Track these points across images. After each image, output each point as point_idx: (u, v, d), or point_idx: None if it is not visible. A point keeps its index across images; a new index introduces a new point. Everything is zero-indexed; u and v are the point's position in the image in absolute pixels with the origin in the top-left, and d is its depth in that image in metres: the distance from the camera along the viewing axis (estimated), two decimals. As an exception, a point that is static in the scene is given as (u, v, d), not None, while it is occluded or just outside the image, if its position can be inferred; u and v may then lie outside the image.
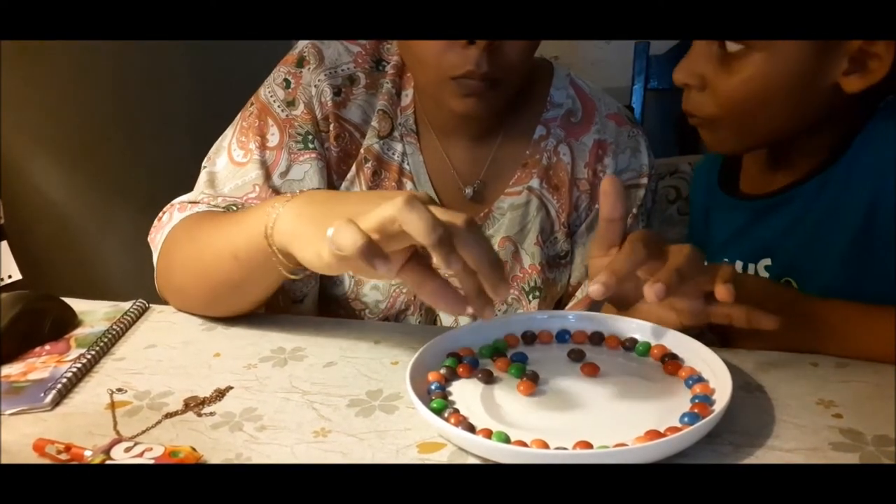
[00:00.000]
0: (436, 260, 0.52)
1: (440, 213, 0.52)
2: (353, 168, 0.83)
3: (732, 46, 0.67)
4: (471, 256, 0.52)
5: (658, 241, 0.61)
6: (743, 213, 0.81)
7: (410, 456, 0.52)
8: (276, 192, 0.80)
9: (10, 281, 1.13)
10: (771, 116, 0.70)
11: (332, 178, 0.83)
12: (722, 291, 0.58)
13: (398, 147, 0.83)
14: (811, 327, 0.64)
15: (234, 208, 0.78)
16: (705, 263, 0.61)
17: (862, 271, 0.71)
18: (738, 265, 0.80)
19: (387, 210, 0.51)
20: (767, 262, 0.78)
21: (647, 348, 0.63)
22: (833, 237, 0.72)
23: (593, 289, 0.57)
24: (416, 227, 0.50)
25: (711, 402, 0.53)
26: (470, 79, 0.70)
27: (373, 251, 0.50)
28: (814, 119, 0.71)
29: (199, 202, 0.79)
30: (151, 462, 0.50)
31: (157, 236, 0.78)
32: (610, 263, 0.58)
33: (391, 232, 0.52)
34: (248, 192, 0.79)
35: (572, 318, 0.67)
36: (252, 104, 0.83)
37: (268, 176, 0.80)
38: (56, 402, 0.60)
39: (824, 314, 0.64)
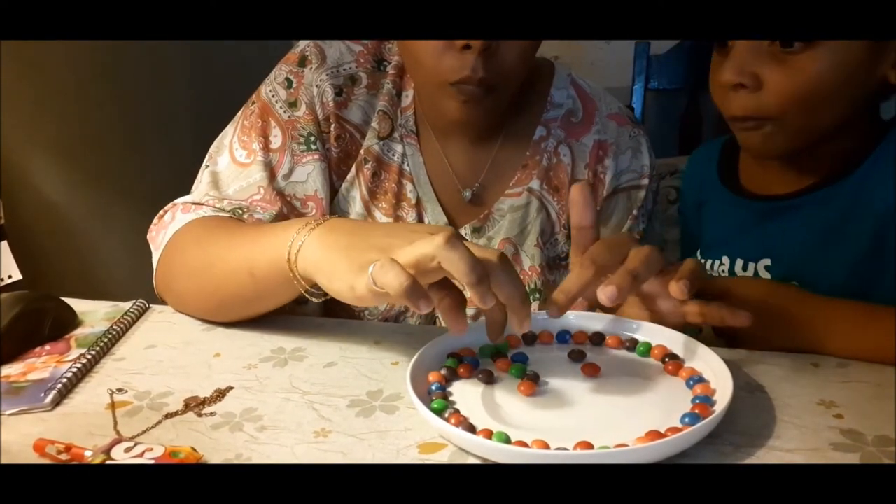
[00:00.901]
0: (472, 296, 0.53)
1: (477, 252, 0.53)
2: (353, 169, 0.83)
3: (789, 42, 0.66)
4: (503, 293, 0.55)
5: (622, 246, 0.61)
6: (746, 211, 0.80)
7: (411, 456, 0.52)
8: (281, 193, 0.80)
9: (10, 281, 1.13)
10: (828, 112, 0.69)
11: (333, 179, 0.83)
12: (674, 288, 0.58)
13: (398, 148, 0.83)
14: (814, 327, 0.63)
15: (240, 211, 0.78)
16: (662, 262, 0.61)
17: (870, 281, 0.70)
18: (739, 263, 0.80)
19: (425, 248, 0.52)
20: (767, 262, 0.77)
21: (648, 349, 0.63)
22: (842, 246, 0.72)
23: (548, 310, 0.59)
24: (458, 267, 0.51)
25: (712, 403, 0.53)
26: (467, 84, 0.70)
27: (417, 292, 0.51)
28: (853, 117, 0.70)
29: (203, 204, 0.79)
30: (152, 462, 0.50)
31: (159, 236, 0.78)
32: (563, 284, 0.59)
33: (427, 268, 0.53)
34: (252, 194, 0.79)
35: (573, 318, 0.67)
36: (253, 102, 0.83)
37: (272, 177, 0.80)
38: (56, 403, 0.60)
39: (827, 314, 0.64)
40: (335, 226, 0.61)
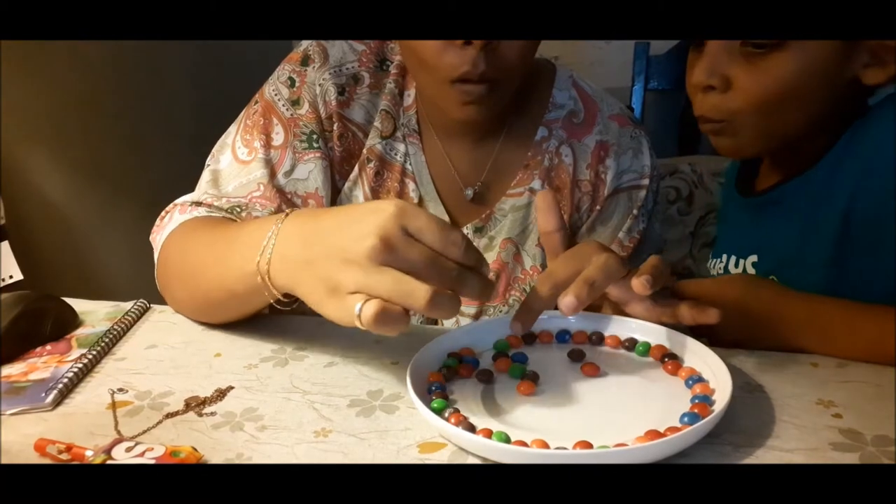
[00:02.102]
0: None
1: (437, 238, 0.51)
2: (356, 168, 0.83)
3: (760, 44, 0.66)
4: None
5: (584, 255, 0.61)
6: (740, 208, 0.81)
7: (411, 456, 0.52)
8: (281, 190, 0.80)
9: (11, 281, 1.13)
10: (797, 114, 0.69)
11: (335, 179, 0.83)
12: (636, 284, 0.59)
13: (401, 147, 0.83)
14: (794, 326, 0.64)
15: (238, 209, 0.78)
16: (621, 268, 0.61)
17: (843, 272, 0.70)
18: (732, 260, 0.81)
19: (377, 285, 0.50)
20: (754, 258, 0.78)
21: (647, 348, 0.63)
22: (815, 237, 0.72)
23: (512, 327, 0.60)
24: (390, 290, 0.50)
25: (711, 402, 0.53)
26: (468, 80, 0.70)
27: (403, 325, 0.50)
28: (829, 115, 0.70)
29: (201, 203, 0.79)
30: (152, 462, 0.50)
31: (157, 237, 0.78)
32: (524, 301, 0.60)
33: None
34: (252, 191, 0.79)
35: (572, 318, 0.67)
36: (256, 102, 0.83)
37: (272, 175, 0.80)
38: (57, 402, 0.60)
39: (807, 312, 0.64)
40: (290, 235, 0.58)
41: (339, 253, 0.52)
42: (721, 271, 0.82)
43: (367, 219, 0.51)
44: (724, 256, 0.82)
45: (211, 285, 0.68)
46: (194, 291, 0.71)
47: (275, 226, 0.59)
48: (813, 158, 0.73)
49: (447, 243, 0.51)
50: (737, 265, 0.80)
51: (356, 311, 0.49)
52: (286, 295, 0.60)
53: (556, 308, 0.60)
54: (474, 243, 0.82)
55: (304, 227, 0.58)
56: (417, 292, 0.49)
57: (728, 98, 0.69)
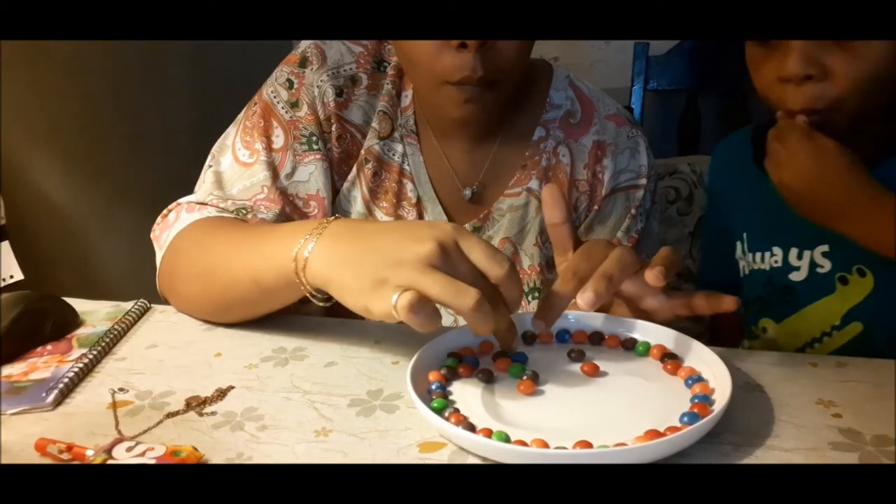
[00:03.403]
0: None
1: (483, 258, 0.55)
2: (354, 169, 0.83)
3: None
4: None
5: (599, 251, 0.61)
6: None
7: (411, 455, 0.52)
8: (283, 193, 0.80)
9: (11, 281, 1.13)
10: (884, 94, 0.69)
11: (334, 179, 0.83)
12: (650, 276, 0.59)
13: (398, 148, 0.83)
14: (857, 210, 0.66)
15: (244, 211, 0.78)
16: (630, 261, 0.61)
17: None
18: (793, 252, 0.79)
19: (429, 288, 0.53)
20: (825, 248, 0.77)
21: (647, 348, 0.63)
22: None
23: (535, 325, 0.61)
24: (444, 298, 0.53)
25: (711, 402, 0.54)
26: (467, 83, 0.71)
27: (435, 320, 0.54)
28: None
29: (207, 204, 0.79)
30: (153, 462, 0.50)
31: (163, 235, 0.78)
32: (546, 299, 0.61)
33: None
34: (256, 194, 0.79)
35: (572, 318, 0.67)
36: (255, 103, 0.83)
37: (275, 177, 0.80)
38: (58, 402, 0.60)
39: (873, 201, 0.65)
40: (338, 233, 0.60)
41: (391, 254, 0.55)
42: (778, 264, 0.80)
43: (424, 228, 0.56)
44: (778, 250, 0.80)
45: (234, 278, 0.68)
46: (211, 287, 0.71)
47: (318, 227, 0.62)
48: (876, 143, 0.72)
49: (493, 262, 0.55)
50: (800, 257, 0.78)
51: (392, 301, 0.53)
52: (318, 290, 0.62)
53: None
54: None
55: (353, 228, 0.61)
56: (467, 293, 0.53)
57: (827, 86, 0.68)
